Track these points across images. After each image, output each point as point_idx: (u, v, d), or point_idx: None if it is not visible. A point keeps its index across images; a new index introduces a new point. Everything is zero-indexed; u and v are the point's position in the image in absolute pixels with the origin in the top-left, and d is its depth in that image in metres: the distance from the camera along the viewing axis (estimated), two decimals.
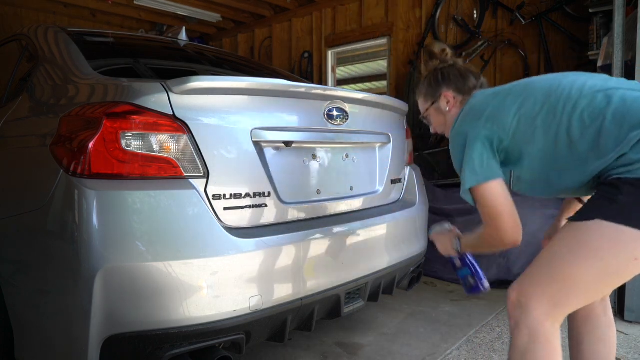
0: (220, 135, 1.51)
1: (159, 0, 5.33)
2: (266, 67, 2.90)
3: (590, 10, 3.18)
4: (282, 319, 1.60)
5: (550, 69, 3.79)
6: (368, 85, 10.00)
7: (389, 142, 2.18)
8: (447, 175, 4.00)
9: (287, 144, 1.69)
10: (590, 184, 1.21)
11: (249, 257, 1.47)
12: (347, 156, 1.97)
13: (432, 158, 4.17)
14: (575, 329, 1.49)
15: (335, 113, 1.85)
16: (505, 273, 3.01)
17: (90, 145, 1.35)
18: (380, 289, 2.04)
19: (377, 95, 2.09)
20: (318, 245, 1.69)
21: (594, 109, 1.17)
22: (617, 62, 2.54)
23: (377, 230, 1.98)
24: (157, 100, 1.42)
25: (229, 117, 1.54)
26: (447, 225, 1.63)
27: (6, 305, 1.57)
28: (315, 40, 5.53)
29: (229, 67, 2.65)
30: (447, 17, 4.43)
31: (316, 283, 1.67)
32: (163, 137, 1.42)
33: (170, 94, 1.43)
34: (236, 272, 1.44)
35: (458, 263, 1.59)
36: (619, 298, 2.51)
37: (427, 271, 3.22)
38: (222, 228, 1.45)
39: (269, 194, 1.62)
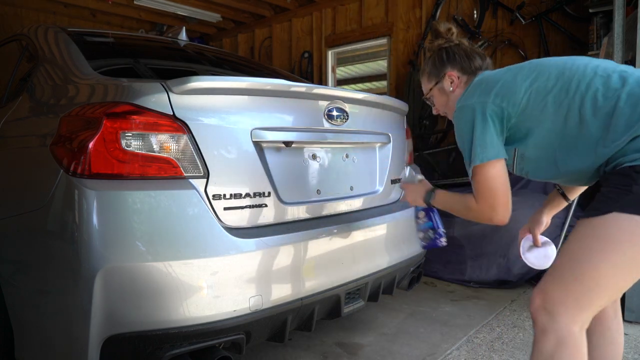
0: (220, 135, 1.51)
1: (159, 0, 5.33)
2: (266, 67, 2.90)
3: (590, 10, 3.18)
4: (282, 319, 1.60)
5: None
6: (368, 85, 9.99)
7: (389, 142, 2.18)
8: (447, 175, 4.00)
9: (287, 144, 1.69)
10: (596, 171, 1.18)
11: (249, 257, 1.47)
12: (347, 156, 1.97)
13: (432, 158, 4.17)
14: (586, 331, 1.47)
15: (335, 113, 1.85)
16: (505, 273, 3.01)
17: (90, 145, 1.35)
18: (380, 289, 2.04)
19: (377, 95, 2.08)
20: (318, 245, 1.69)
21: (608, 88, 1.15)
22: (617, 62, 2.54)
23: (377, 230, 1.98)
24: (157, 100, 1.42)
25: (229, 117, 1.54)
26: (419, 176, 1.64)
27: (6, 305, 1.58)
28: (315, 40, 5.53)
29: (229, 67, 2.65)
30: (447, 17, 4.42)
31: (316, 283, 1.67)
32: (163, 137, 1.42)
33: (170, 94, 1.43)
34: (236, 272, 1.44)
35: (422, 215, 1.58)
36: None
37: (427, 271, 3.23)
38: (222, 228, 1.45)
39: (269, 194, 1.62)
